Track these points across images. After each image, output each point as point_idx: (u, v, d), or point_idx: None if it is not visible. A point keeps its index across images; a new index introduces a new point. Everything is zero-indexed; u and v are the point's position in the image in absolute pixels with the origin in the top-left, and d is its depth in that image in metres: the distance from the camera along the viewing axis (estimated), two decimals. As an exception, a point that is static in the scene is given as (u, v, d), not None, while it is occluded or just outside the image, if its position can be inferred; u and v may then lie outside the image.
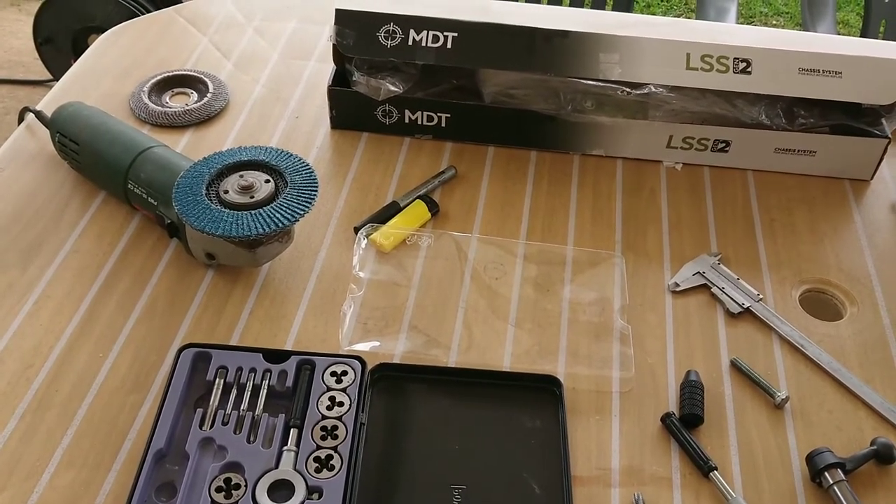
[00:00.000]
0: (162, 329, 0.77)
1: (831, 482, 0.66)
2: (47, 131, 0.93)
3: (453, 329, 0.78)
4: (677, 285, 0.83)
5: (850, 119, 0.93)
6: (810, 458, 0.68)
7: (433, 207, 0.89)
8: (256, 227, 0.73)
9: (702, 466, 0.68)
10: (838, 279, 0.85)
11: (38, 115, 0.94)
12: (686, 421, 0.71)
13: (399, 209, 0.89)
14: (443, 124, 0.97)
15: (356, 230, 0.86)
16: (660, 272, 0.85)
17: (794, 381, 0.76)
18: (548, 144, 0.98)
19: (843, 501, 0.65)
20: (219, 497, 0.63)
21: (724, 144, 0.95)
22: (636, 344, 0.77)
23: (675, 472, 0.69)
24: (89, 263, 0.82)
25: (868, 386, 0.75)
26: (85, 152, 0.87)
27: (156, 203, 0.81)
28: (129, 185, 0.83)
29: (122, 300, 0.79)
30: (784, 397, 0.73)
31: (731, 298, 0.81)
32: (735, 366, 0.76)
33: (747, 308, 0.81)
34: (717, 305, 0.82)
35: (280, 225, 0.74)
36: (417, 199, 0.89)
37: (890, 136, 0.93)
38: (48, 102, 0.99)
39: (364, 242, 0.84)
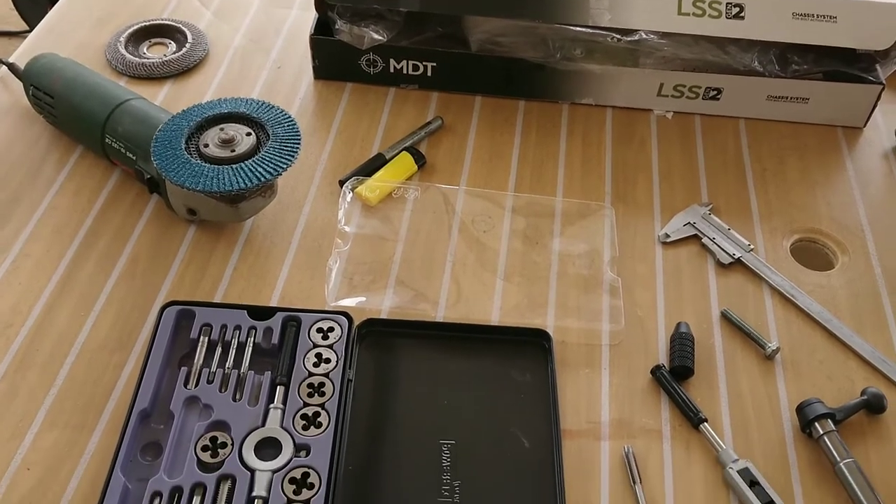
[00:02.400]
0: (144, 287, 0.75)
1: (821, 432, 0.66)
2: (21, 84, 0.90)
3: (441, 283, 0.77)
4: (668, 236, 0.82)
5: (845, 65, 0.92)
6: (800, 409, 0.68)
7: (420, 159, 0.87)
8: (238, 182, 0.71)
9: (692, 418, 0.68)
10: (830, 228, 0.84)
11: (11, 67, 0.91)
12: (676, 373, 0.71)
13: (385, 161, 0.87)
14: (428, 74, 0.94)
15: (341, 183, 0.84)
16: (650, 223, 0.83)
17: (785, 331, 0.75)
18: (536, 94, 0.96)
19: (833, 452, 0.65)
20: (205, 456, 0.62)
21: (715, 92, 0.93)
22: (626, 296, 0.77)
23: (665, 425, 0.68)
24: (68, 220, 0.80)
25: (859, 336, 0.74)
26: (60, 106, 0.85)
27: (134, 158, 0.79)
28: (107, 140, 0.81)
29: (102, 258, 0.77)
30: (774, 348, 0.72)
31: (722, 249, 0.81)
32: (725, 317, 0.76)
33: (738, 259, 0.80)
34: (708, 256, 0.81)
35: (262, 179, 0.72)
36: (403, 151, 0.87)
37: (884, 81, 0.91)
38: (21, 54, 0.96)
39: (349, 196, 0.83)
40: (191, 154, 0.73)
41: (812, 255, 0.83)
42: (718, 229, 0.82)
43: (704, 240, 0.81)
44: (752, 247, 0.81)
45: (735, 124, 0.95)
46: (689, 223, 0.83)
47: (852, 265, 0.81)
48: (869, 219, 0.85)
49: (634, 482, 0.64)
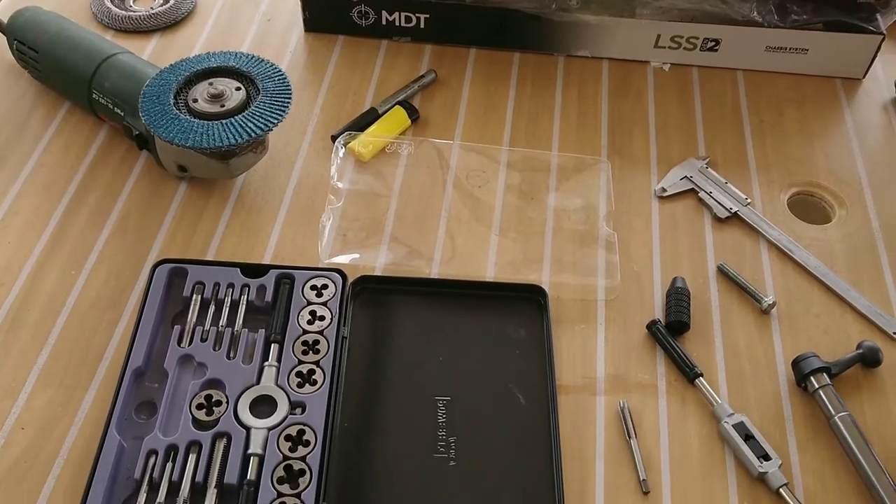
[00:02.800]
0: (135, 244, 0.74)
1: (817, 387, 0.66)
2: (5, 39, 0.88)
3: (435, 239, 0.76)
4: (664, 190, 0.81)
5: (844, 15, 0.90)
6: (796, 364, 0.68)
7: (413, 114, 0.86)
8: (228, 138, 0.70)
9: (687, 373, 0.68)
10: (827, 181, 0.83)
11: (-6, 21, 0.89)
12: (672, 328, 0.71)
13: (377, 116, 0.85)
14: (421, 25, 0.93)
15: (333, 139, 0.83)
16: (646, 177, 0.82)
17: (782, 285, 0.75)
18: (531, 46, 0.94)
19: (828, 405, 0.65)
20: (200, 414, 0.62)
21: (713, 43, 0.92)
22: (622, 251, 0.76)
23: (661, 380, 0.68)
24: (56, 177, 0.79)
25: (855, 290, 0.74)
26: (45, 61, 0.83)
27: (122, 114, 0.77)
28: (94, 95, 0.79)
29: (92, 215, 0.76)
30: (771, 302, 0.72)
31: (719, 203, 0.80)
32: (722, 271, 0.75)
33: (735, 213, 0.79)
34: (705, 210, 0.80)
35: (253, 135, 0.71)
36: (396, 105, 0.86)
37: (885, 32, 0.89)
38: (4, 8, 0.94)
39: (342, 151, 0.81)
40: (179, 109, 0.72)
41: (809, 208, 0.82)
42: (715, 183, 0.81)
43: (701, 194, 0.81)
44: (748, 201, 0.80)
45: (733, 76, 0.93)
46: (685, 177, 0.82)
47: (850, 219, 0.80)
48: (867, 171, 0.84)
49: (629, 437, 0.64)
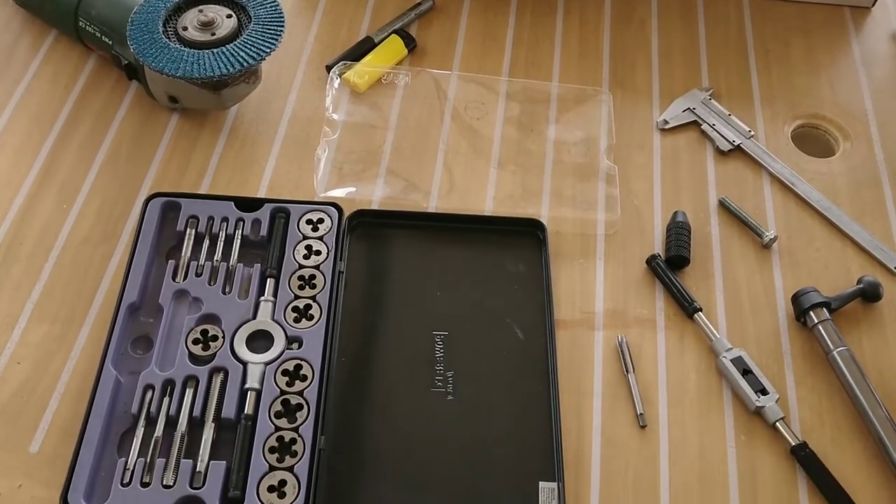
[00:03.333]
0: (127, 177, 0.73)
1: (816, 321, 0.66)
2: (-13, -37, 0.85)
3: (433, 172, 0.75)
4: (666, 122, 0.80)
5: (856, -61, 0.87)
6: (796, 298, 0.68)
7: (410, 43, 0.83)
8: (219, 67, 0.68)
9: (686, 308, 0.67)
10: (833, 113, 0.82)
11: (-25, -56, 0.86)
12: (672, 262, 0.70)
13: (373, 45, 0.83)
14: (418, -50, 0.89)
15: (328, 69, 0.81)
16: (648, 109, 0.81)
17: (783, 220, 0.74)
18: (532, -29, 0.91)
19: (827, 340, 0.65)
20: (196, 349, 0.61)
21: (719, -31, 0.89)
22: (622, 185, 0.75)
23: (660, 314, 0.68)
24: (45, 108, 0.77)
25: (857, 224, 0.73)
26: (29, -14, 0.80)
27: (110, 42, 0.75)
28: (81, 23, 0.77)
29: (82, 147, 0.75)
30: (772, 237, 0.71)
31: (722, 135, 0.78)
32: (723, 205, 0.74)
33: (738, 145, 0.78)
34: (707, 143, 0.79)
35: (245, 64, 0.69)
36: (393, 34, 0.84)
37: (897, -43, 0.87)
38: (-15, -70, 0.90)
39: (337, 82, 0.79)
40: (169, 38, 0.70)
41: (813, 141, 0.81)
42: (718, 115, 0.80)
43: (704, 126, 0.79)
44: (752, 133, 0.78)
45: (739, 3, 0.91)
46: (688, 109, 0.80)
47: (854, 152, 0.79)
48: (873, 103, 0.83)
49: (627, 371, 0.64)
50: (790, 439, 0.61)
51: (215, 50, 0.69)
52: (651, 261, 0.70)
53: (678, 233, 0.71)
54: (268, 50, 0.70)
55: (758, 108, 0.81)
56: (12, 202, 0.71)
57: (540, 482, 0.58)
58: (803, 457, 0.60)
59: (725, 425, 0.62)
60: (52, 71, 0.80)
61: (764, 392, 0.63)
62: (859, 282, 0.69)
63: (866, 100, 0.83)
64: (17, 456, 0.58)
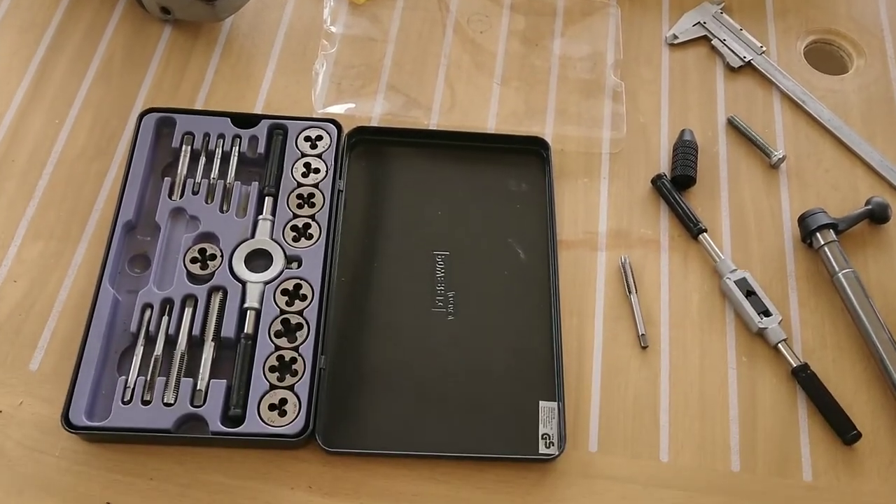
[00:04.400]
0: (120, 91, 0.71)
1: (822, 243, 0.65)
2: None
3: (434, 88, 0.73)
4: (675, 37, 0.77)
5: None
6: (802, 219, 0.66)
7: (410, -49, 0.80)
8: (213, -24, 0.65)
9: (691, 229, 0.66)
10: (847, 29, 0.79)
11: None
12: (677, 182, 0.69)
13: (373, -46, 0.80)
14: None
15: (326, -22, 0.78)
16: (657, 23, 0.78)
17: (793, 139, 0.72)
18: None
19: (833, 262, 0.64)
20: (194, 268, 0.61)
21: None
22: (629, 102, 0.73)
23: (664, 235, 0.67)
24: (33, 19, 0.75)
25: (868, 143, 0.72)
26: None
27: (99, -51, 0.72)
28: (67, -72, 0.73)
29: (73, 60, 0.73)
30: (780, 157, 0.70)
31: (732, 51, 0.76)
32: (732, 124, 0.72)
33: (748, 62, 0.75)
34: (717, 59, 0.76)
35: (239, -27, 0.66)
36: (393, -58, 0.80)
37: None
38: None
39: (335, -8, 0.77)
40: (159, -56, 0.67)
41: (826, 57, 0.79)
42: (729, 30, 0.77)
43: (714, 41, 0.77)
44: (763, 49, 0.76)
45: (754, -89, 0.87)
46: (698, 23, 0.78)
47: (868, 69, 0.77)
48: (890, 18, 0.80)
49: (630, 292, 0.64)
50: (791, 361, 0.61)
51: (208, -43, 0.66)
52: (656, 180, 0.69)
53: (685, 152, 0.69)
54: (262, -42, 0.67)
55: (770, 22, 0.79)
56: (3, 117, 0.69)
57: (540, 401, 0.58)
58: (804, 378, 0.60)
59: (727, 346, 0.62)
60: (40, -21, 0.77)
61: (767, 314, 0.62)
62: (868, 203, 0.68)
63: (882, 15, 0.80)
64: (17, 374, 0.58)
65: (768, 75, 0.75)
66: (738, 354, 0.62)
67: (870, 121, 0.73)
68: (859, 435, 0.58)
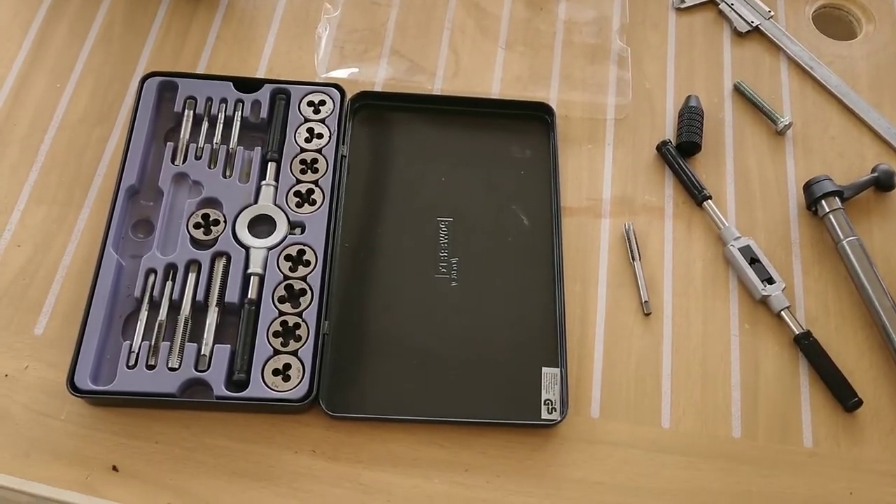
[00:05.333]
0: (122, 55, 0.71)
1: (827, 210, 0.65)
2: None
3: (438, 53, 0.72)
4: (682, 2, 0.76)
5: None
6: (808, 186, 0.66)
7: (414, -87, 0.79)
8: (214, -62, 0.65)
9: (696, 196, 0.66)
10: (857, -7, 0.78)
11: None
12: (683, 149, 0.68)
13: (376, -85, 0.79)
14: None
15: (329, -60, 0.77)
16: (664, -13, 0.77)
17: (799, 105, 0.72)
18: None
19: (838, 229, 0.64)
20: (198, 233, 0.61)
21: None
22: (634, 67, 0.72)
23: (668, 202, 0.67)
24: (33, -18, 0.74)
25: (876, 111, 0.71)
26: None
27: None
28: None
29: (74, 23, 0.72)
30: (786, 123, 0.69)
31: (740, 16, 0.75)
32: (738, 90, 0.72)
33: (756, 26, 0.75)
34: (725, 24, 0.75)
35: (241, -66, 0.65)
36: None
37: None
38: None
39: (338, -45, 0.76)
40: None
41: (835, 22, 0.78)
42: (737, -6, 0.76)
43: (722, 6, 0.76)
44: (772, 13, 0.75)
45: None
46: (706, -13, 0.77)
47: (877, 35, 0.76)
48: (900, -18, 0.79)
49: (633, 259, 0.64)
50: (794, 328, 0.61)
51: (209, -81, 0.65)
52: (661, 147, 0.68)
53: (690, 118, 0.69)
54: (264, -81, 0.66)
55: (779, -14, 0.78)
56: (4, 81, 0.69)
57: (543, 368, 0.59)
58: (806, 345, 0.60)
59: (730, 314, 0.62)
60: (39, -59, 0.76)
61: (770, 281, 0.62)
62: (874, 170, 0.67)
63: (893, -22, 0.79)
64: (23, 338, 0.59)
65: (776, 40, 0.74)
66: (741, 322, 0.62)
67: (878, 87, 0.73)
68: (860, 402, 0.59)
